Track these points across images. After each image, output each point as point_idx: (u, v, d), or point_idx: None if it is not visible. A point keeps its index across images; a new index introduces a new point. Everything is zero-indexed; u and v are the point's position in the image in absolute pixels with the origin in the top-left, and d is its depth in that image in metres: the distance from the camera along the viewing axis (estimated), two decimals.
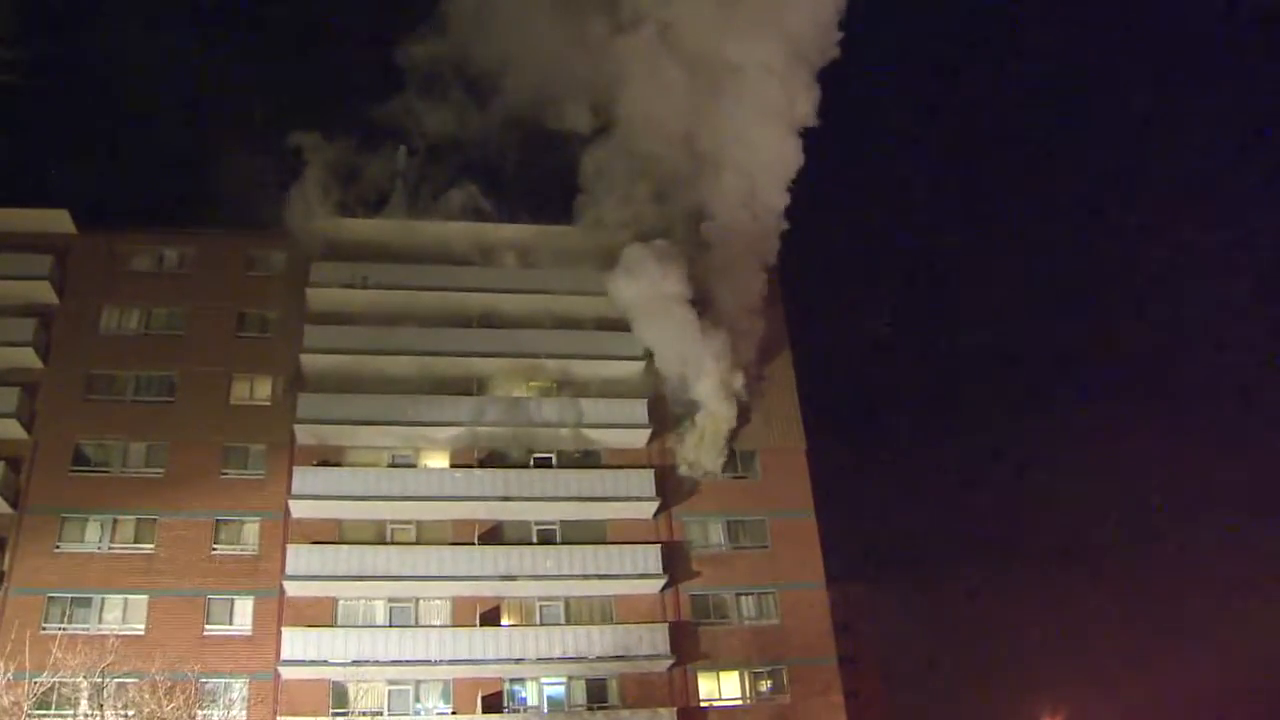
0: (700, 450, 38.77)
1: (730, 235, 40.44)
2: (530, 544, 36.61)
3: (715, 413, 38.82)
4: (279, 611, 34.10)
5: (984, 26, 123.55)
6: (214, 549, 34.93)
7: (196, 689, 27.73)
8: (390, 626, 34.60)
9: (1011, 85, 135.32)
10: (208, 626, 33.70)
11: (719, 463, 38.87)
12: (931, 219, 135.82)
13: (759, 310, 40.61)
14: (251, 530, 35.45)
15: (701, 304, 39.91)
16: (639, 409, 38.91)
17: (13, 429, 35.46)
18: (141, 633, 32.87)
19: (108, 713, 25.26)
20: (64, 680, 25.67)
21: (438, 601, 35.47)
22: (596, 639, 34.82)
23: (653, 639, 34.94)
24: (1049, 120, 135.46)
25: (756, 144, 39.98)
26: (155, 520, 35.02)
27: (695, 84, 40.90)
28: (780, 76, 39.77)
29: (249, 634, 33.76)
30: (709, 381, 38.73)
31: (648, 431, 38.66)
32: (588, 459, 38.62)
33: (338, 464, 36.81)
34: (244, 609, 34.17)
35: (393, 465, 37.48)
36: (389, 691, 33.82)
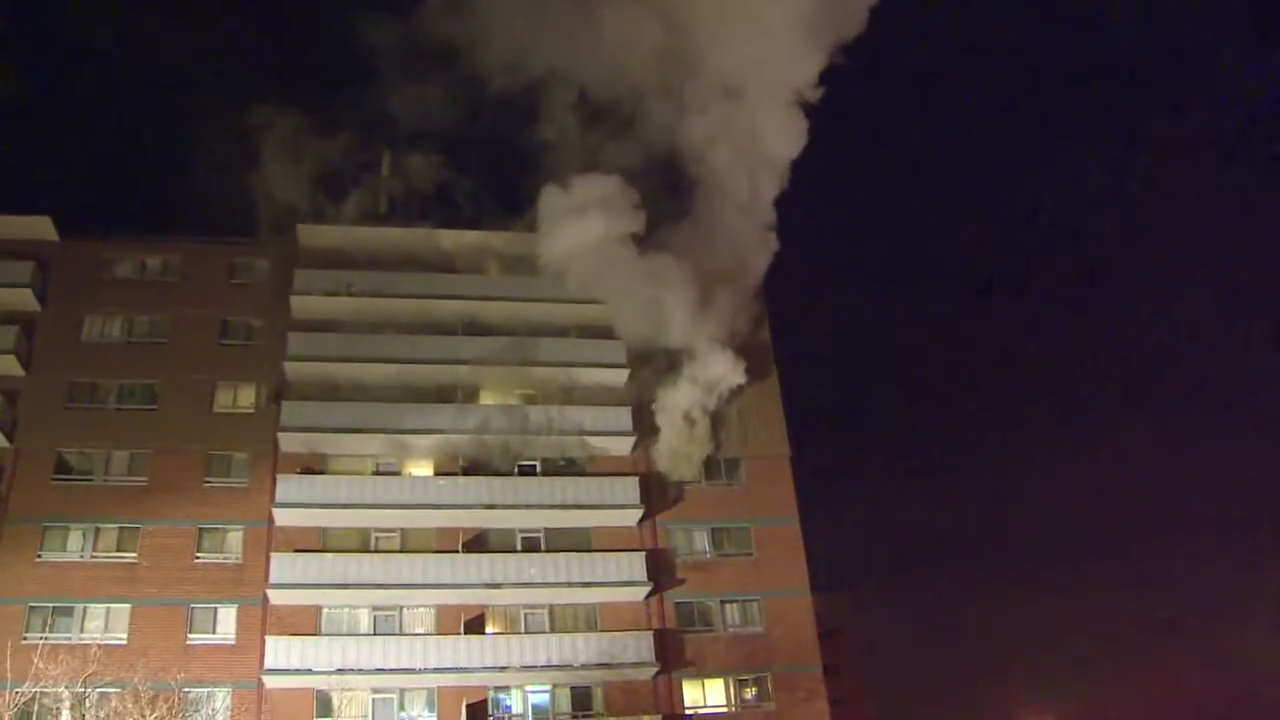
0: (698, 393, 38.13)
1: (715, 201, 39.64)
2: (514, 551, 36.62)
3: (692, 350, 38.25)
4: (263, 620, 34.00)
5: (973, 32, 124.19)
6: (197, 557, 34.80)
7: (180, 698, 27.78)
8: (374, 635, 34.51)
9: (999, 87, 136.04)
10: (191, 635, 33.54)
11: (706, 421, 38.54)
12: (920, 220, 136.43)
13: (743, 288, 40.21)
14: (235, 538, 35.31)
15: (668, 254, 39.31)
16: (623, 416, 38.93)
17: None
18: (124, 642, 32.63)
19: None
20: (46, 690, 25.65)
21: (422, 609, 35.42)
22: (581, 647, 34.83)
23: (637, 647, 34.97)
24: (1039, 121, 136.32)
25: (748, 96, 38.58)
26: (138, 529, 34.88)
27: (672, 39, 39.47)
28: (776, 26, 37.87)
29: (232, 643, 33.63)
30: (682, 321, 37.87)
31: (632, 439, 38.67)
32: (572, 466, 38.67)
33: (321, 472, 36.71)
34: (227, 618, 34.03)
35: (377, 473, 37.41)
36: (373, 700, 33.74)
